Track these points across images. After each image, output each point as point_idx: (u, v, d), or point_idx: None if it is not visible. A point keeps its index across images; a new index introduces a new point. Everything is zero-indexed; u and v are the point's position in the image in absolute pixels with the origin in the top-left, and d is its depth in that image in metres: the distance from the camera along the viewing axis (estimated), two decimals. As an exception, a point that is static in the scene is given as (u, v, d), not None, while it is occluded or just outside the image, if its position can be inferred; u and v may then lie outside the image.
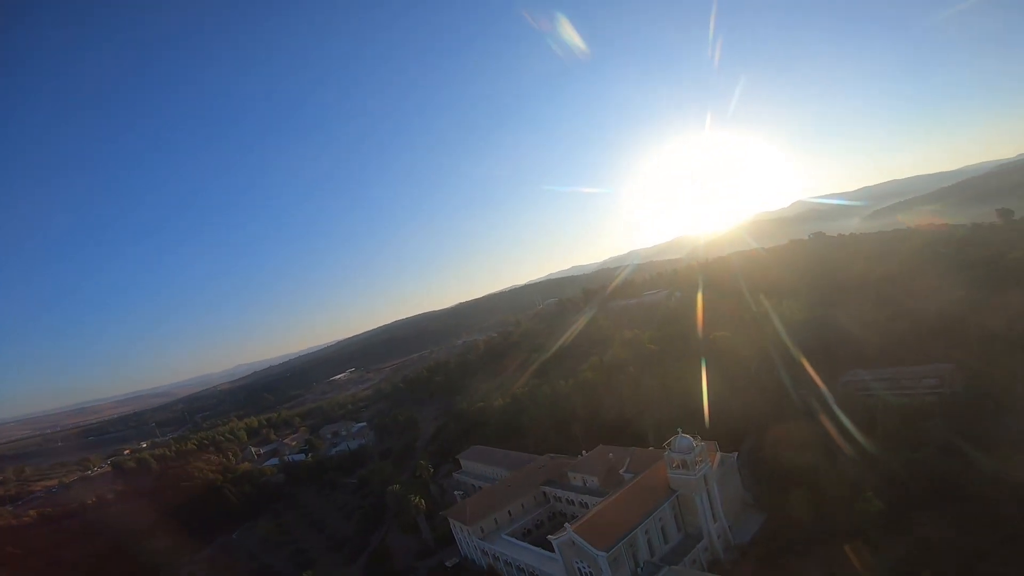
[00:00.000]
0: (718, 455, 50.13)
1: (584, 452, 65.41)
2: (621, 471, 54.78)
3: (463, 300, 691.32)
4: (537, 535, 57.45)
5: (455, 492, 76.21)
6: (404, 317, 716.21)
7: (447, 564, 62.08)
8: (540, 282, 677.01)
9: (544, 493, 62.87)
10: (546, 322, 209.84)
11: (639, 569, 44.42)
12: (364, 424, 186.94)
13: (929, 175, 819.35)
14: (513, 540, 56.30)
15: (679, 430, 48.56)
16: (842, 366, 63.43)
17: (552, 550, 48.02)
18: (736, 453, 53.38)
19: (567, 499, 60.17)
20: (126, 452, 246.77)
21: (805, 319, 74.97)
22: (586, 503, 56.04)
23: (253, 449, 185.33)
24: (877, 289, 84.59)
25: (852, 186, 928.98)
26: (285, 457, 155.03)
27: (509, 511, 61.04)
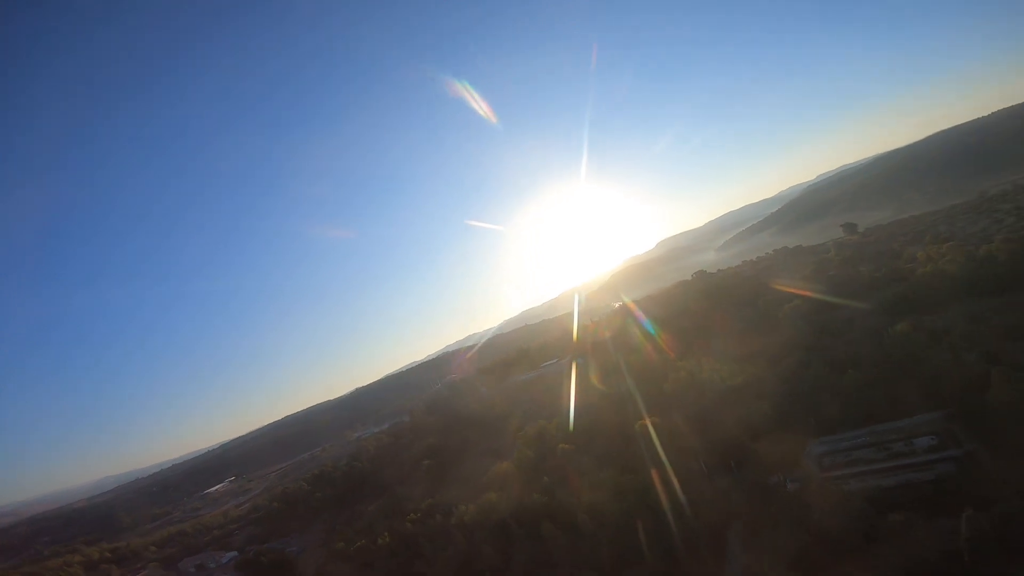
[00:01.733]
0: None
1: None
2: None
3: (360, 384, 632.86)
4: None
5: None
6: (296, 411, 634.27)
7: None
8: (439, 356, 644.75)
9: None
10: (439, 410, 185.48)
11: None
12: (236, 554, 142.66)
13: (757, 203, 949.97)
14: None
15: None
16: (798, 435, 50.19)
17: None
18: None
19: None
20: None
21: (743, 382, 61.77)
22: None
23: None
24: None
25: (701, 221, 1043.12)
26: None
27: None
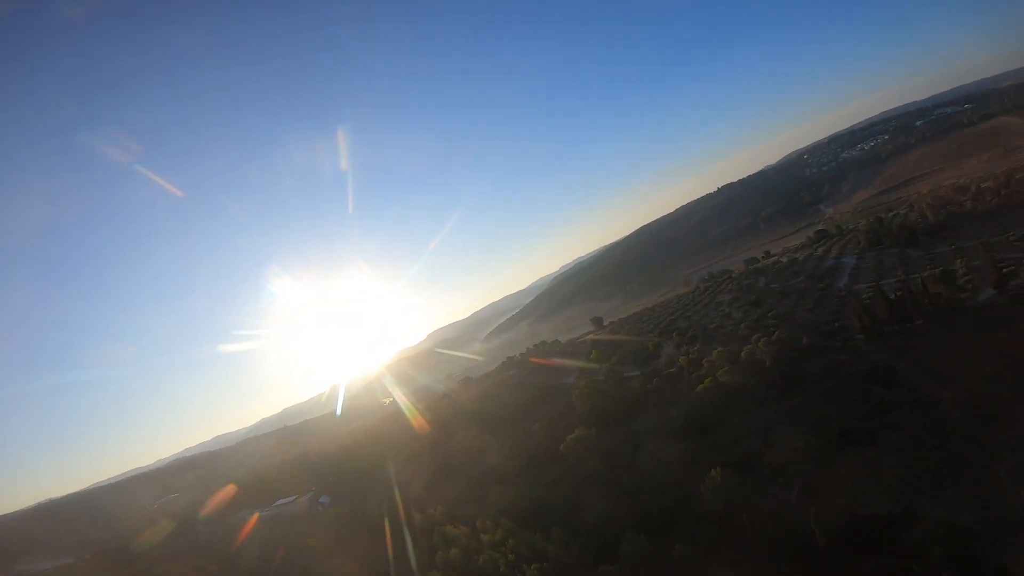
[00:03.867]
0: None
1: None
2: None
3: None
4: None
5: None
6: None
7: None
8: (173, 462, 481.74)
9: None
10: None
11: None
12: None
13: (514, 294, 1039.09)
14: None
15: None
16: None
17: None
18: None
19: None
20: None
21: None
22: None
23: None
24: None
25: (467, 312, 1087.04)
26: None
27: None
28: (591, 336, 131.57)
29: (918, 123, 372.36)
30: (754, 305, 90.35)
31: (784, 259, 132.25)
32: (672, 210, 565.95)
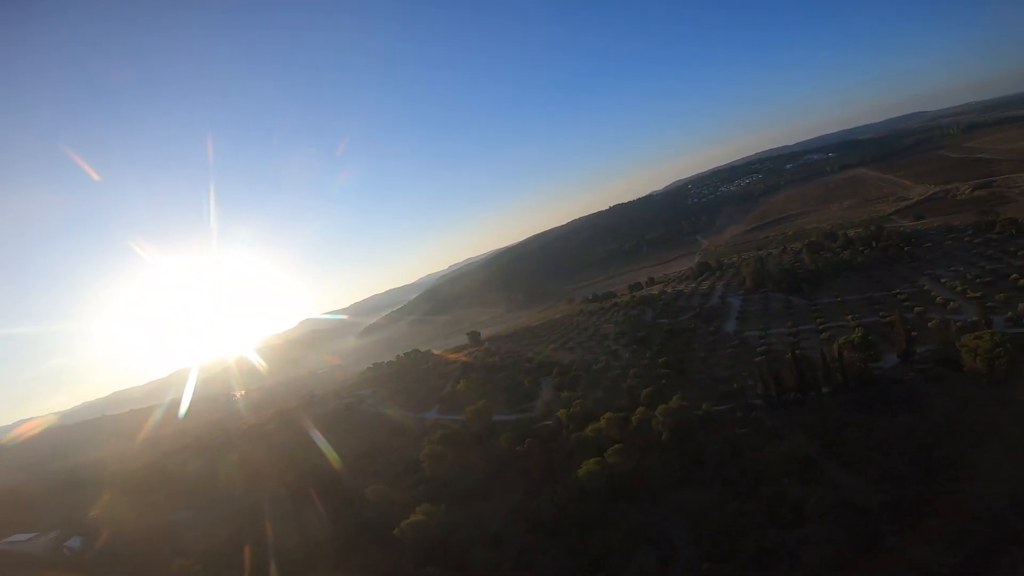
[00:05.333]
0: None
1: None
2: None
3: None
4: None
5: None
6: None
7: None
8: None
9: None
10: None
11: None
12: None
13: (400, 287, 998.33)
14: None
15: None
16: None
17: None
18: None
19: None
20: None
21: None
22: None
23: None
24: None
25: (347, 302, 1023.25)
26: None
27: None
28: (464, 357, 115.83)
29: (788, 166, 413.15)
30: (642, 344, 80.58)
31: (669, 289, 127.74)
32: (565, 222, 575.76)
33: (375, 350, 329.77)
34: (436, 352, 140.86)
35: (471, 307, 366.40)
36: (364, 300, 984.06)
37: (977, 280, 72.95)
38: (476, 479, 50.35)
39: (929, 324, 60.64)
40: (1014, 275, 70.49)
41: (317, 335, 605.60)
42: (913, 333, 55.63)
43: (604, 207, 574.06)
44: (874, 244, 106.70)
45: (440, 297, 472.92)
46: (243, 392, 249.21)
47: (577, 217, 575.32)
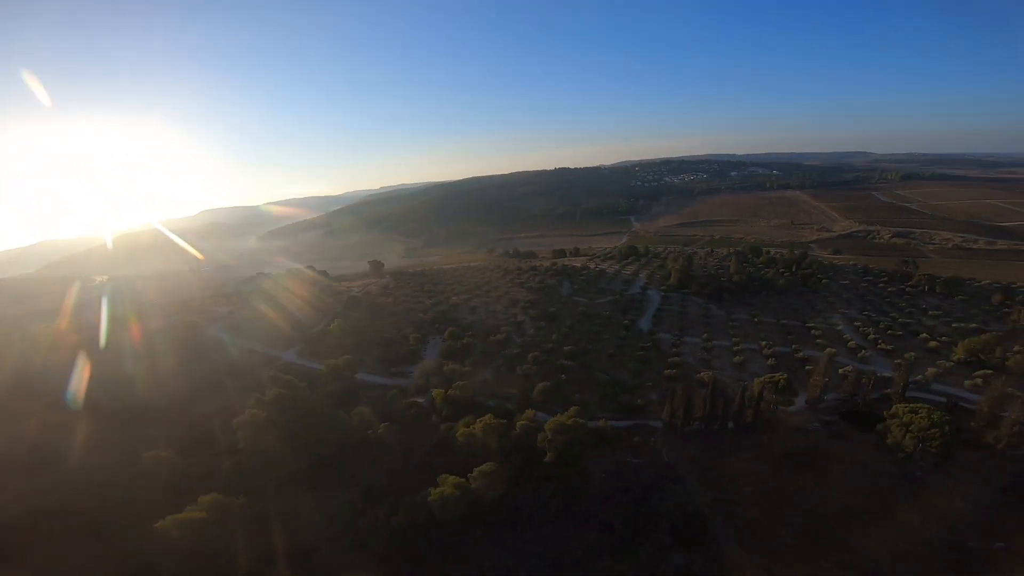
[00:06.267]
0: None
1: None
2: None
3: None
4: None
5: None
6: None
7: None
8: None
9: None
10: None
11: None
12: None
13: (323, 196, 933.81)
14: None
15: None
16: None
17: None
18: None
19: None
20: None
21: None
22: None
23: None
24: None
25: (260, 200, 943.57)
26: None
27: None
28: (357, 287, 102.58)
29: (733, 173, 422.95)
30: (551, 321, 72.73)
31: (592, 266, 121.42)
32: (507, 172, 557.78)
33: (271, 257, 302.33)
34: (327, 276, 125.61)
35: (390, 232, 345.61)
36: (279, 201, 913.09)
37: (889, 332, 71.95)
38: (305, 462, 39.81)
39: (840, 371, 57.99)
40: (924, 334, 69.94)
41: (217, 229, 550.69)
42: (826, 379, 51.76)
43: (550, 168, 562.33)
44: (795, 269, 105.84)
45: (361, 215, 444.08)
46: (105, 278, 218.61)
47: (520, 171, 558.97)
